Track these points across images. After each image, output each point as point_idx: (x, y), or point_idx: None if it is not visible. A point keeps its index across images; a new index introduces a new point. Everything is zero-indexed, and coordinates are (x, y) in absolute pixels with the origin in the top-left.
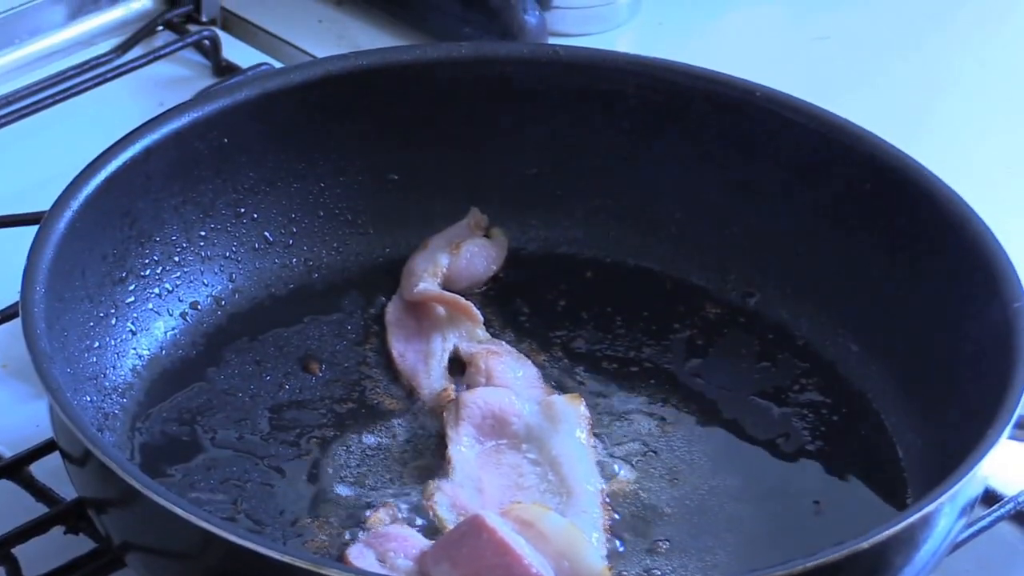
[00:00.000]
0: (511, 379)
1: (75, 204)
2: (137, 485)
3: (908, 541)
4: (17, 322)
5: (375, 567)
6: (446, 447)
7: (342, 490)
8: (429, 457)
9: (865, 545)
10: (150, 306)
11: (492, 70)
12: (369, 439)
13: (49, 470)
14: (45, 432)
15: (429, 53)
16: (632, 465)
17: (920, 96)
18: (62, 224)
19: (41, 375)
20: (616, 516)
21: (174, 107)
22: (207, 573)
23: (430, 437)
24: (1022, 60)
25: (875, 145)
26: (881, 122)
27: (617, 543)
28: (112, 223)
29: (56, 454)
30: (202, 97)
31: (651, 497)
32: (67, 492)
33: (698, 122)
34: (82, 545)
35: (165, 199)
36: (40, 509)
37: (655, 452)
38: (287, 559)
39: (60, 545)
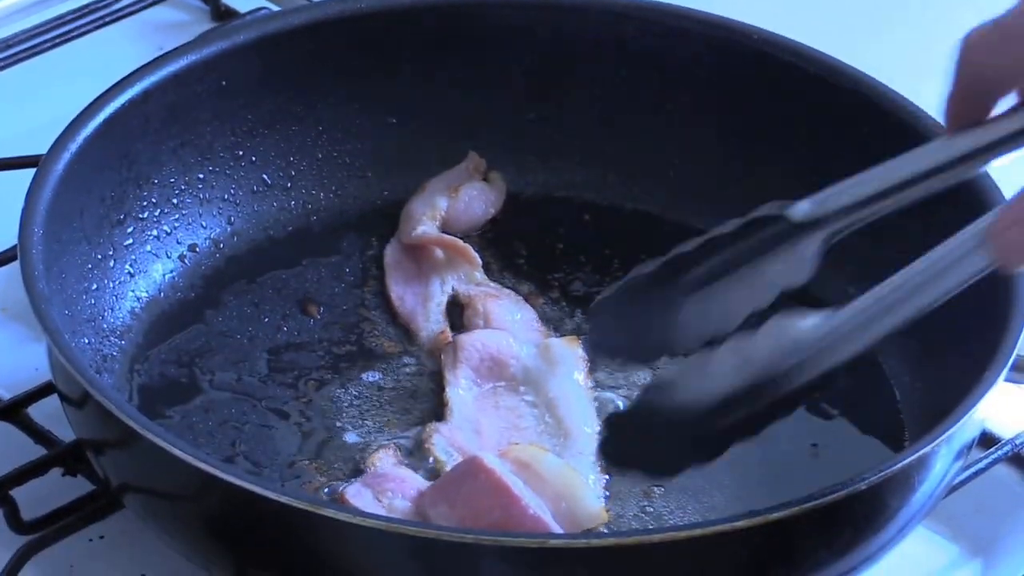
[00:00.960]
0: (509, 321)
1: (73, 146)
2: (135, 426)
3: (905, 482)
4: (15, 265)
5: (373, 507)
6: (444, 390)
7: (339, 432)
8: (427, 400)
9: (862, 486)
10: (148, 248)
11: (490, 13)
12: (367, 381)
13: (47, 413)
14: (44, 375)
15: None
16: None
17: (921, 39)
18: (60, 166)
19: (39, 316)
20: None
21: (173, 49)
22: (205, 514)
23: (428, 379)
24: None
25: (874, 89)
26: (882, 67)
27: (614, 484)
28: (110, 165)
29: (54, 397)
30: (201, 40)
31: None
32: (65, 434)
33: (696, 65)
34: (80, 487)
35: (164, 141)
36: (38, 451)
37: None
38: (285, 500)
39: (58, 487)
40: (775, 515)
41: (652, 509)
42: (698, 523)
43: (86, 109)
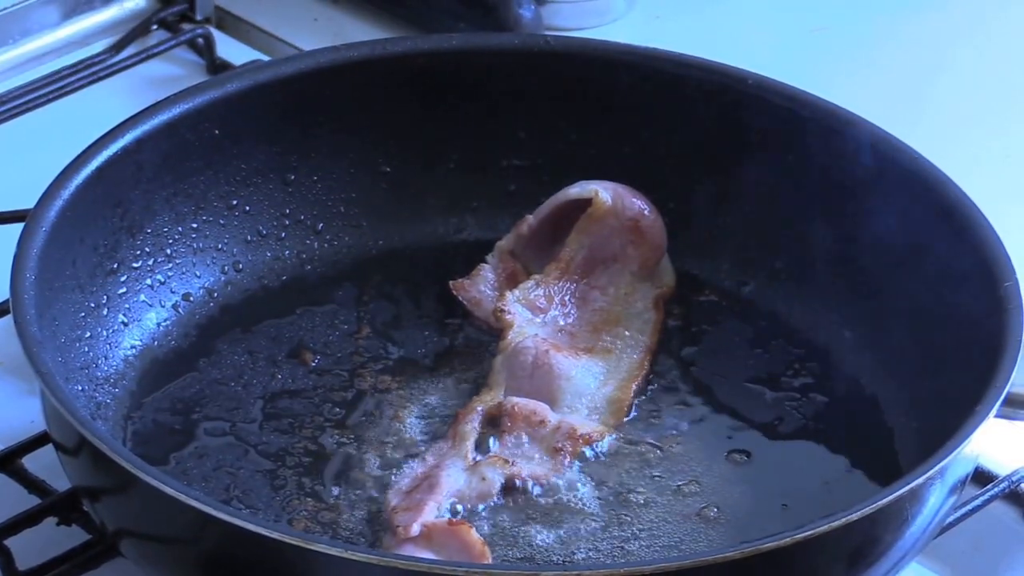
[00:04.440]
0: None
1: (66, 193)
2: (132, 469)
3: (898, 515)
4: (10, 319)
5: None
6: (439, 435)
7: (333, 476)
8: (419, 444)
9: (854, 517)
10: (142, 297)
11: (483, 61)
12: (361, 428)
13: (42, 464)
14: (38, 427)
15: (420, 45)
16: (628, 448)
17: (916, 85)
18: (52, 212)
19: (31, 359)
20: (610, 497)
21: (166, 98)
22: (203, 555)
23: (421, 426)
24: (1016, 48)
25: (868, 132)
26: (878, 110)
27: (611, 529)
28: (103, 213)
29: (49, 447)
30: (194, 89)
31: (647, 474)
32: (59, 484)
33: (691, 110)
34: (74, 536)
35: (156, 190)
36: (33, 501)
37: (650, 438)
38: (287, 539)
39: (53, 537)
40: (767, 545)
41: (644, 542)
42: (689, 554)
43: (78, 157)
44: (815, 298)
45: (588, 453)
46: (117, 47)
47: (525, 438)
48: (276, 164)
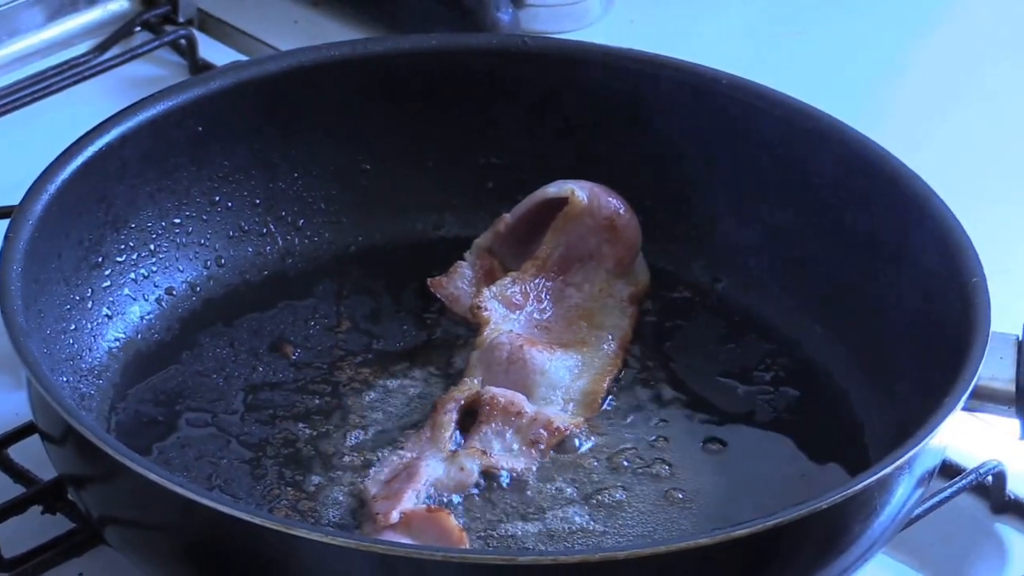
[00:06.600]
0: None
1: (52, 187)
2: (116, 455)
3: (866, 505)
4: None
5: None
6: (417, 426)
7: (313, 466)
8: (398, 435)
9: (823, 505)
10: (126, 291)
11: (462, 61)
12: (340, 419)
13: (27, 454)
14: (24, 419)
15: (400, 44)
16: (603, 439)
17: (888, 85)
18: (39, 207)
19: (18, 349)
20: (586, 487)
21: (150, 96)
22: (187, 542)
23: (399, 417)
24: (977, 48)
25: (838, 129)
26: (850, 110)
27: (586, 517)
28: (88, 208)
29: (34, 438)
30: (177, 87)
31: (621, 465)
32: (44, 473)
33: (666, 110)
34: (59, 525)
35: (140, 186)
36: (18, 490)
37: (624, 430)
38: (270, 524)
39: (38, 525)
40: (738, 532)
41: (614, 532)
42: (662, 540)
43: (64, 153)
44: (786, 294)
45: (564, 444)
46: (101, 48)
47: (502, 429)
48: (258, 161)
